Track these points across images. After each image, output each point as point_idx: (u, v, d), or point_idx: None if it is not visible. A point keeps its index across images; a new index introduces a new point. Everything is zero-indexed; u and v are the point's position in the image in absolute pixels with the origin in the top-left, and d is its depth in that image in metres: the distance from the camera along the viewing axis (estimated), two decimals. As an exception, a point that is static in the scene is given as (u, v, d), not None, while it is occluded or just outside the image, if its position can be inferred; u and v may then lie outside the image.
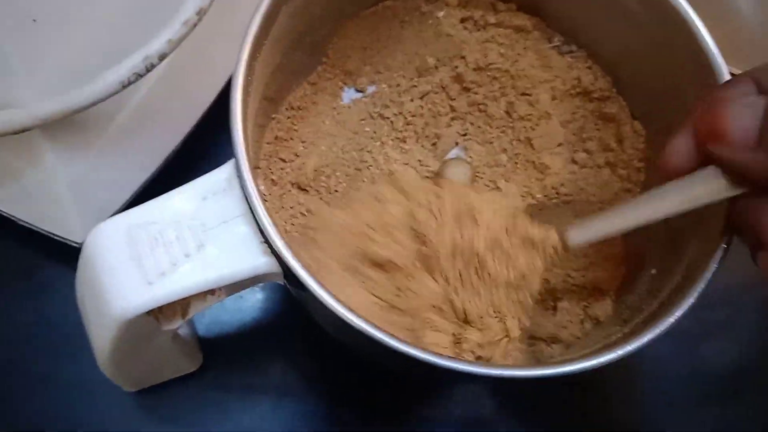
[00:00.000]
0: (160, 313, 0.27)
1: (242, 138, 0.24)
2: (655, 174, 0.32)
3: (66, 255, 0.34)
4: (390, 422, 0.37)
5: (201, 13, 0.30)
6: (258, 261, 0.24)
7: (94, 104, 0.29)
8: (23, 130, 0.29)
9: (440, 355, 0.23)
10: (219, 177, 0.25)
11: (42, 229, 0.34)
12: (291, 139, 0.33)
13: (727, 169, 0.22)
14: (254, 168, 0.30)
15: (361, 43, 0.35)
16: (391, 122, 0.33)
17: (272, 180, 0.31)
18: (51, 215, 0.34)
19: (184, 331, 0.33)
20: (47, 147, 0.32)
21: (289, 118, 0.33)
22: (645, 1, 0.29)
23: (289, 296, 0.37)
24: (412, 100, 0.33)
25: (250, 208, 0.24)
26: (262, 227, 0.24)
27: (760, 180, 0.21)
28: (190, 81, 0.35)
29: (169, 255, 0.24)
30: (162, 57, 0.30)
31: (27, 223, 0.34)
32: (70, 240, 0.34)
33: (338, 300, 0.23)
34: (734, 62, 0.37)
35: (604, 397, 0.38)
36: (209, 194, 0.25)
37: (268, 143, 0.32)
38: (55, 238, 0.34)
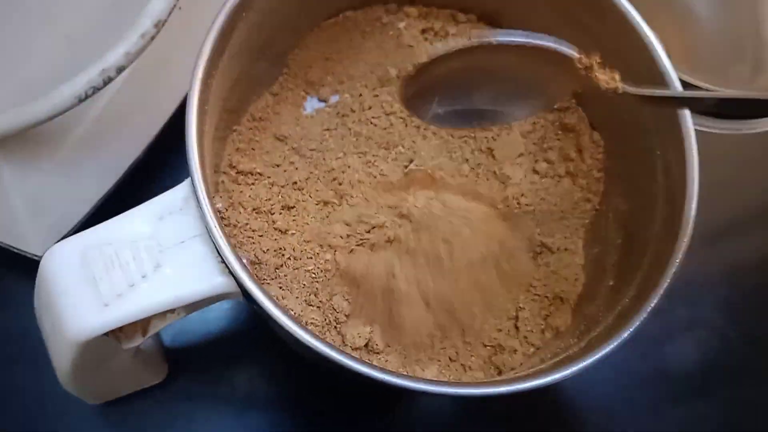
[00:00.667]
0: (120, 332, 0.27)
1: (197, 160, 0.24)
2: (614, 184, 0.32)
3: (26, 267, 0.33)
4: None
5: (159, 25, 0.30)
6: (215, 281, 0.24)
7: (49, 119, 0.29)
8: (-23, 146, 0.28)
9: (394, 374, 0.23)
10: (176, 196, 0.25)
11: (1, 243, 0.34)
12: (253, 149, 0.33)
13: None
14: (215, 184, 0.30)
15: (323, 53, 0.35)
16: (354, 132, 0.33)
17: (231, 194, 0.31)
18: (7, 229, 0.33)
19: (147, 345, 0.33)
20: (3, 162, 0.32)
21: (250, 129, 0.33)
22: (596, 14, 0.29)
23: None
24: (371, 109, 0.33)
25: (206, 229, 0.24)
26: (218, 247, 0.24)
27: None
28: (150, 93, 0.35)
29: (126, 276, 0.24)
30: (120, 70, 0.29)
31: None
32: (28, 253, 0.33)
33: (295, 321, 0.23)
34: (691, 69, 0.38)
35: (567, 402, 0.38)
36: (166, 214, 0.25)
37: (229, 155, 0.32)
38: (13, 250, 0.34)
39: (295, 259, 0.30)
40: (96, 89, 0.29)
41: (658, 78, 0.28)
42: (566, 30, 0.31)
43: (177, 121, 0.36)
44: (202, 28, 0.27)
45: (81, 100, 0.29)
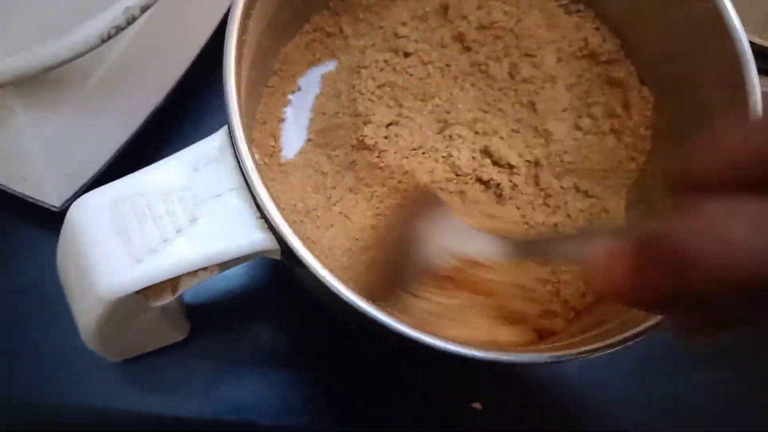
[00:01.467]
0: (149, 289, 0.26)
1: (236, 106, 0.22)
2: (662, 143, 0.31)
3: (42, 218, 0.32)
4: (383, 388, 0.36)
5: None
6: (254, 237, 0.23)
7: (70, 60, 0.27)
8: (-6, 87, 0.26)
9: (440, 338, 0.22)
10: (211, 145, 0.24)
11: (15, 191, 0.32)
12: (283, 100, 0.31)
13: None
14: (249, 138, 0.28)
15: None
16: (389, 82, 0.32)
17: (270, 147, 0.30)
18: (24, 176, 0.32)
19: (171, 303, 0.32)
20: (19, 105, 0.30)
21: (281, 78, 0.31)
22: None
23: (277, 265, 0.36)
24: (409, 57, 0.32)
25: (246, 181, 0.22)
26: (258, 201, 0.22)
27: None
28: (171, 35, 0.33)
29: (160, 230, 0.23)
30: (144, 8, 0.27)
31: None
32: (44, 203, 0.32)
33: (339, 279, 0.22)
34: (753, 25, 0.36)
35: (592, 370, 0.38)
36: (201, 164, 0.24)
37: (261, 108, 0.30)
38: (29, 200, 0.32)
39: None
40: (119, 29, 0.27)
41: (720, 29, 0.27)
42: None
43: (198, 67, 0.34)
44: None
45: (104, 41, 0.27)
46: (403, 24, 0.32)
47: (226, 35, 0.23)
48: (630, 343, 0.24)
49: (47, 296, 0.34)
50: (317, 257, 0.22)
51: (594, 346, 0.23)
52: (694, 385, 0.38)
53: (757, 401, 0.38)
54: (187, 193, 0.23)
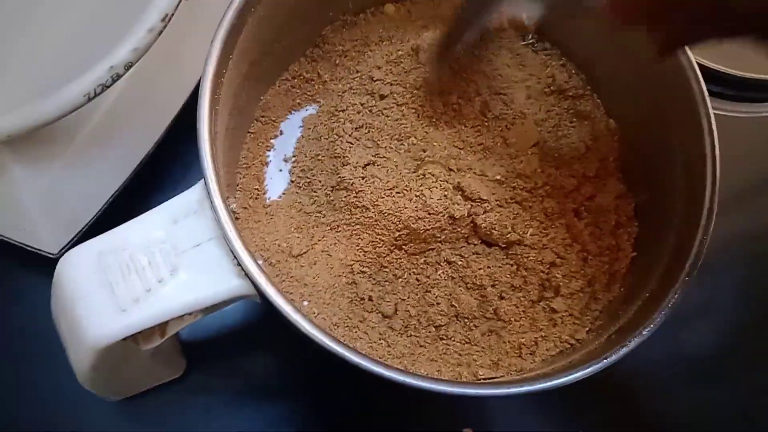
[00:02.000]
0: (139, 334, 0.27)
1: (211, 162, 0.24)
2: (631, 173, 0.32)
3: (40, 264, 0.33)
4: (376, 422, 0.37)
5: (166, 20, 0.29)
6: (232, 283, 0.24)
7: (58, 118, 0.28)
8: (-14, 146, 0.28)
9: (418, 377, 0.23)
10: (190, 199, 0.25)
11: (13, 240, 0.34)
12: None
13: None
14: (229, 182, 0.29)
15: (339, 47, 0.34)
16: (366, 124, 0.33)
17: (255, 189, 0.31)
18: (20, 226, 0.33)
19: (165, 343, 0.33)
20: (12, 160, 0.31)
21: (263, 124, 0.33)
22: None
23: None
24: (384, 100, 0.33)
25: (222, 232, 0.24)
26: (233, 251, 0.24)
27: None
28: (158, 88, 0.34)
29: (142, 281, 0.24)
30: (128, 67, 0.29)
31: None
32: (42, 251, 0.33)
33: (314, 324, 0.23)
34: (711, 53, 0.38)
35: (580, 384, 0.38)
36: (180, 217, 0.25)
37: (245, 153, 0.32)
38: (28, 248, 0.34)
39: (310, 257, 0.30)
40: (105, 87, 0.28)
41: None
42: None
43: (186, 115, 0.36)
44: (209, 22, 0.26)
45: (90, 98, 0.28)
46: (378, 68, 0.33)
47: (199, 98, 0.25)
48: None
49: (47, 338, 0.35)
50: (293, 299, 0.23)
51: (561, 380, 0.24)
52: (687, 405, 0.38)
53: (750, 422, 0.38)
54: (167, 245, 0.25)
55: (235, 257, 0.24)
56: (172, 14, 0.29)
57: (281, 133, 0.34)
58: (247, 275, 0.24)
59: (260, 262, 0.27)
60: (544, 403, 0.38)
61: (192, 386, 0.37)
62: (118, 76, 0.29)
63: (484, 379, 0.29)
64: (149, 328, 0.26)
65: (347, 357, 0.23)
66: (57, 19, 0.32)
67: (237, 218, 0.27)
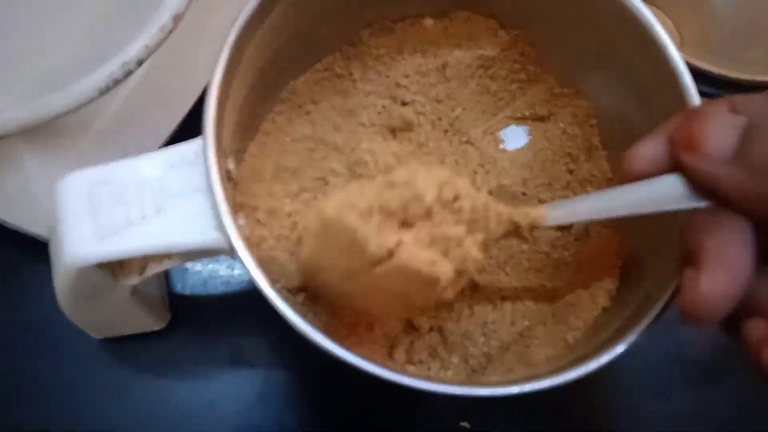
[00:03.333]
0: (119, 267, 0.29)
1: (213, 115, 0.25)
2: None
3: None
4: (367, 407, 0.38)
5: (177, 19, 0.30)
6: (209, 235, 0.25)
7: (71, 111, 0.30)
8: (1, 137, 0.29)
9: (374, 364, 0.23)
10: (189, 149, 0.27)
11: (26, 231, 0.35)
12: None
13: (695, 180, 0.21)
14: (237, 150, 0.31)
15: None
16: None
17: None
18: (33, 218, 0.35)
19: (150, 289, 0.35)
20: (26, 152, 0.33)
21: (288, 107, 0.35)
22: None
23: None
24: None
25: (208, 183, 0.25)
26: (216, 203, 0.25)
27: (727, 195, 0.20)
28: (170, 84, 0.36)
29: (126, 214, 0.25)
30: (140, 62, 0.30)
31: (10, 224, 0.35)
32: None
33: (272, 287, 0.24)
34: (706, 54, 0.38)
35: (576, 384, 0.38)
36: (177, 163, 0.26)
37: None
38: (40, 239, 0.35)
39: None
40: (117, 81, 0.30)
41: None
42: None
43: (199, 112, 0.37)
44: (221, 20, 0.27)
45: (102, 93, 0.30)
46: (406, 76, 0.35)
47: (217, 61, 0.26)
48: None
49: (55, 331, 0.37)
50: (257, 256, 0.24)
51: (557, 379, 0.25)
52: (684, 405, 0.38)
53: (747, 423, 0.38)
54: (158, 186, 0.26)
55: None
56: (183, 14, 0.31)
57: (306, 114, 0.35)
58: (223, 229, 0.25)
59: (242, 221, 0.29)
60: (540, 402, 0.38)
61: (176, 343, 0.38)
62: (130, 72, 0.30)
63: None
64: (129, 262, 0.28)
65: (293, 320, 0.23)
66: (73, 16, 0.33)
67: (230, 178, 0.28)
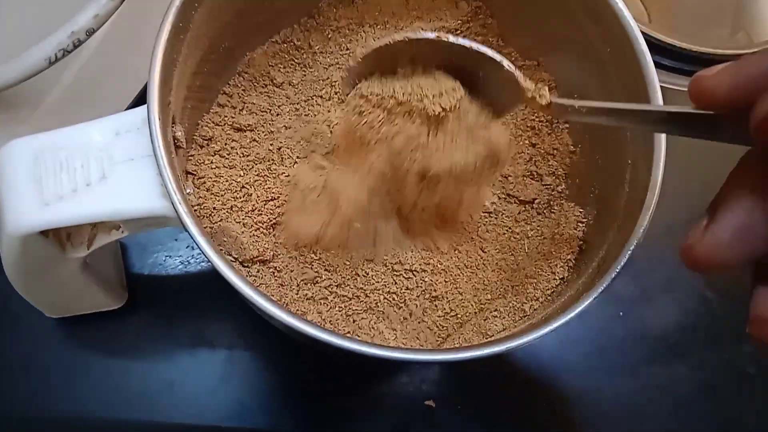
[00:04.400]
0: (68, 239, 0.28)
1: (157, 83, 0.25)
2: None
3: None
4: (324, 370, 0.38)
5: None
6: (155, 203, 0.25)
7: (20, 81, 0.29)
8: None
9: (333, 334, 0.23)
10: (136, 116, 0.26)
11: None
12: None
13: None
14: (189, 121, 0.30)
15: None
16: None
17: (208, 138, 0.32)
18: None
19: (103, 266, 0.34)
20: None
21: (245, 80, 0.34)
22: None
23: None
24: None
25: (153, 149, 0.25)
26: (159, 169, 0.24)
27: None
28: (127, 56, 0.35)
29: (71, 181, 0.25)
30: (89, 33, 0.29)
31: None
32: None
33: (217, 253, 0.23)
34: (672, 30, 0.39)
35: (544, 361, 0.39)
36: (123, 130, 0.26)
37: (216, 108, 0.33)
38: None
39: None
40: (66, 52, 0.29)
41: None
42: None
43: None
44: None
45: (51, 63, 0.29)
46: (363, 48, 0.34)
47: (159, 29, 0.26)
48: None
49: (12, 310, 0.37)
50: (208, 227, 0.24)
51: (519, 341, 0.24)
52: (649, 382, 0.39)
53: (713, 398, 0.39)
54: (103, 153, 0.25)
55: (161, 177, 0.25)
56: None
57: (263, 87, 0.35)
58: (168, 195, 0.24)
59: (190, 190, 0.28)
60: (503, 378, 0.38)
61: (135, 323, 0.38)
62: (80, 42, 0.29)
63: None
64: (73, 230, 0.27)
65: (267, 309, 0.23)
66: None
67: (179, 146, 0.28)
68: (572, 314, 0.24)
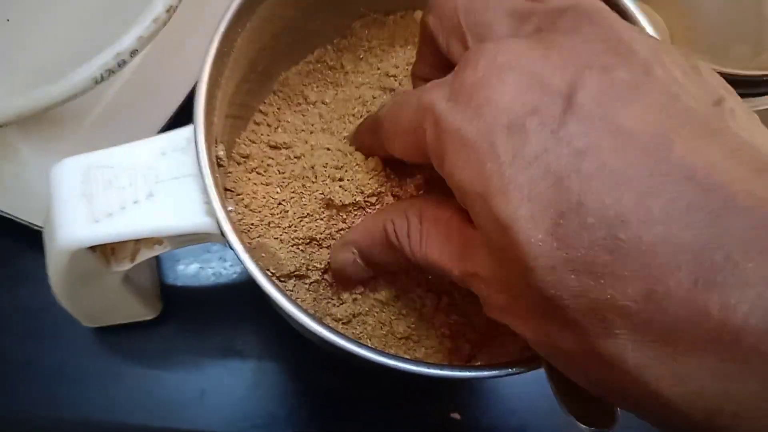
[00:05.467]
0: (112, 254, 0.29)
1: (204, 101, 0.26)
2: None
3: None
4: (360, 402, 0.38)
5: (171, 11, 0.31)
6: (199, 219, 0.26)
7: (66, 101, 0.30)
8: (-2, 126, 0.30)
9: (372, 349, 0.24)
10: (181, 135, 0.27)
11: (22, 220, 0.36)
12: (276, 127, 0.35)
13: None
14: (223, 142, 0.31)
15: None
16: None
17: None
18: (28, 206, 0.36)
19: (141, 278, 0.35)
20: (22, 141, 0.34)
21: (280, 98, 0.35)
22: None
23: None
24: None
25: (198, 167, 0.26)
26: (206, 188, 0.25)
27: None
28: (164, 75, 0.36)
29: (120, 198, 0.26)
30: (133, 53, 0.31)
31: (6, 213, 0.36)
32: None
33: (263, 272, 0.24)
34: (693, 49, 0.40)
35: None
36: (169, 150, 0.27)
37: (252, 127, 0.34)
38: (35, 228, 0.36)
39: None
40: (111, 72, 0.30)
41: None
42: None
43: (191, 104, 0.38)
44: (214, 11, 0.28)
45: (97, 83, 0.30)
46: (396, 66, 0.35)
47: (207, 50, 0.27)
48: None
49: (49, 320, 0.38)
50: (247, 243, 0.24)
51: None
52: None
53: None
54: (150, 172, 0.26)
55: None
56: (177, 6, 0.31)
57: (297, 105, 0.36)
58: (213, 213, 0.25)
59: (232, 207, 0.29)
60: (526, 392, 0.38)
61: (167, 333, 0.39)
62: (124, 63, 0.31)
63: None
64: (121, 247, 0.28)
65: (308, 324, 0.24)
66: (67, 9, 0.34)
67: (221, 165, 0.29)
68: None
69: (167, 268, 0.40)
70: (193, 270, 0.40)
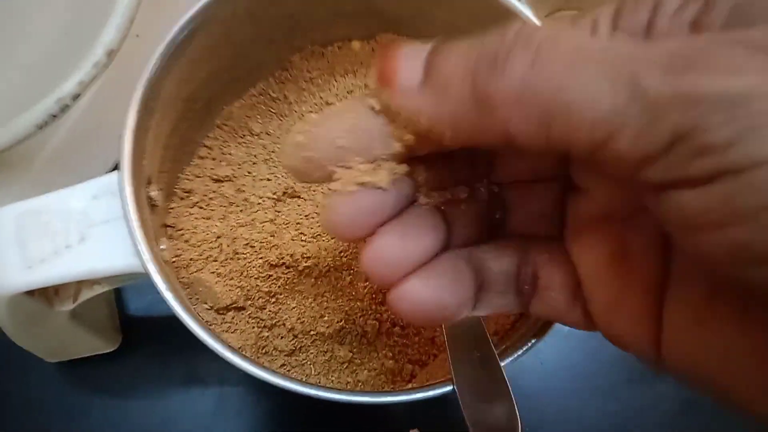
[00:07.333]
0: (55, 294, 0.30)
1: (129, 145, 0.27)
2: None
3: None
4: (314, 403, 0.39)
5: (112, 55, 0.31)
6: (129, 260, 0.27)
7: (12, 145, 0.31)
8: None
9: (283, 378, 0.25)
10: (112, 180, 0.28)
11: None
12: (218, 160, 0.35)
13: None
14: (168, 175, 0.32)
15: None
16: None
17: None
18: None
19: (94, 313, 0.36)
20: None
21: (224, 132, 0.36)
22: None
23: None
24: None
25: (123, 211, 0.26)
26: (130, 231, 0.26)
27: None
28: (115, 114, 0.36)
29: (52, 244, 0.27)
30: (75, 98, 0.31)
31: None
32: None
33: (185, 307, 0.25)
34: None
35: (529, 385, 0.40)
36: (101, 194, 0.28)
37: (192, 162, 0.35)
38: None
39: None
40: (54, 117, 0.31)
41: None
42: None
43: None
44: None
45: (40, 128, 0.31)
46: (336, 96, 0.36)
47: (133, 95, 0.28)
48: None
49: (21, 352, 0.37)
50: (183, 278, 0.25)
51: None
52: (634, 401, 0.40)
53: (697, 414, 0.40)
54: (83, 217, 0.27)
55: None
56: (117, 50, 0.32)
57: (241, 137, 0.36)
58: (139, 254, 0.26)
59: (165, 245, 0.30)
60: None
61: (131, 363, 0.39)
62: (67, 107, 0.31)
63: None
64: (60, 287, 0.29)
65: (230, 358, 0.25)
66: (8, 55, 0.35)
67: (154, 204, 0.30)
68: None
69: (129, 299, 0.40)
70: (154, 299, 0.41)
